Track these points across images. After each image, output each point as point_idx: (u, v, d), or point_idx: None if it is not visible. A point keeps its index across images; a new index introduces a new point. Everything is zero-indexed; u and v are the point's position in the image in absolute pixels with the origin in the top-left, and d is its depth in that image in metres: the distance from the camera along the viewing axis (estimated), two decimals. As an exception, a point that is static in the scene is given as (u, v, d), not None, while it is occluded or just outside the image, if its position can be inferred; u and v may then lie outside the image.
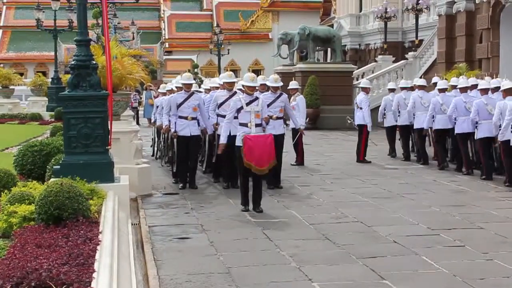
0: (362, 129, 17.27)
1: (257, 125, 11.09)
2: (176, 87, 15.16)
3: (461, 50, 23.58)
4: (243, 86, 11.60)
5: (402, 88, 18.21)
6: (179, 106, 13.25)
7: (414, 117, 17.02)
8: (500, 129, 13.32)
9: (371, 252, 8.24)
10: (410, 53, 34.12)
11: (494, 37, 20.30)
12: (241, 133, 10.99)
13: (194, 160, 13.67)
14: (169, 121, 13.54)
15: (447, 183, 13.82)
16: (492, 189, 13.06)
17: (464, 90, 15.10)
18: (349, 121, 19.19)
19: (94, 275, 5.18)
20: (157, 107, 17.65)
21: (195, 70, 50.40)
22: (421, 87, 17.37)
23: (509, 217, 10.37)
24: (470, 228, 9.66)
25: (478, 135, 14.19)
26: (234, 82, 13.30)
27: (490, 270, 7.51)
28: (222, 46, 48.85)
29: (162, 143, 17.10)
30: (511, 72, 17.99)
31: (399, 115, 17.70)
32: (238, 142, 11.00)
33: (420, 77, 21.04)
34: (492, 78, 16.21)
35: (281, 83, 14.05)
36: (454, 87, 16.20)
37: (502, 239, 8.98)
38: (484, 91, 14.46)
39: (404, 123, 17.60)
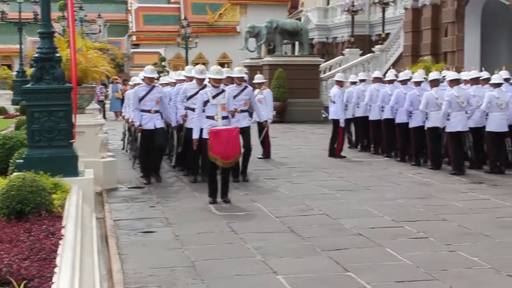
0: (336, 123, 17.13)
1: (223, 118, 11.15)
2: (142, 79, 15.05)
3: (427, 43, 23.76)
4: (209, 78, 11.64)
5: (361, 80, 18.49)
6: (141, 99, 13.16)
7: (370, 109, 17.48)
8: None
9: (335, 245, 8.28)
10: (377, 46, 34.34)
11: (459, 31, 20.49)
12: (207, 125, 11.03)
13: (160, 151, 13.64)
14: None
15: (412, 176, 13.93)
16: (456, 181, 13.19)
17: (435, 83, 14.92)
18: (323, 115, 19.22)
19: (56, 270, 5.13)
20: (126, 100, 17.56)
21: (163, 63, 50.24)
22: (377, 80, 17.68)
23: (472, 208, 10.49)
24: (434, 220, 9.75)
25: (452, 128, 14.21)
26: (204, 79, 13.21)
27: (452, 261, 7.59)
28: (190, 39, 48.68)
29: (130, 136, 17.04)
30: (476, 65, 18.17)
31: (357, 107, 17.90)
32: (205, 135, 11.03)
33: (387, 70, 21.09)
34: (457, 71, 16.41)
35: (245, 74, 14.10)
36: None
37: (465, 230, 9.08)
38: (454, 83, 14.43)
39: (363, 115, 17.83)
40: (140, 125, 13.17)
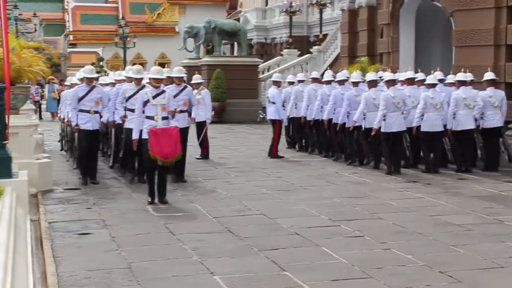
0: (275, 124, 17.14)
1: (163, 118, 11.10)
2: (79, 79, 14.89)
3: (363, 44, 24.00)
4: (149, 78, 11.59)
5: (300, 81, 18.62)
6: (80, 99, 12.99)
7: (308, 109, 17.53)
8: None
9: (272, 244, 8.32)
10: (315, 47, 34.67)
11: (394, 32, 20.72)
12: (147, 126, 10.97)
13: (96, 154, 13.53)
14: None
15: (349, 175, 14.10)
16: (391, 181, 13.40)
17: (372, 84, 14.97)
18: (261, 116, 19.22)
19: (-13, 273, 5.04)
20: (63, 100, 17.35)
21: (101, 63, 49.73)
22: (314, 80, 17.87)
23: (407, 207, 10.68)
24: (370, 219, 9.89)
25: (388, 129, 14.36)
26: (142, 78, 13.13)
27: (387, 259, 7.71)
28: (128, 39, 48.33)
29: (66, 136, 16.84)
30: (411, 66, 18.47)
31: (296, 107, 18.01)
32: (144, 135, 10.98)
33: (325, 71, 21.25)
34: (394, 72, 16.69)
35: (185, 74, 14.12)
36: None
37: (399, 228, 9.23)
38: (390, 83, 14.61)
39: (300, 115, 17.92)
40: (76, 125, 13.00)
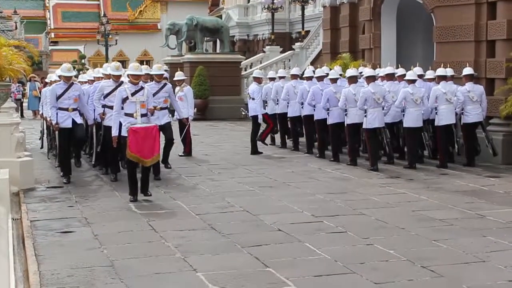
0: (256, 120, 17.10)
1: (142, 115, 11.06)
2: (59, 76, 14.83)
3: (345, 41, 24.05)
4: (128, 75, 11.55)
5: (281, 77, 18.64)
6: (59, 97, 12.92)
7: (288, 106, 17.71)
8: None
9: (256, 241, 8.33)
10: (297, 44, 34.65)
11: (375, 29, 20.75)
12: (126, 123, 10.93)
13: (80, 145, 13.59)
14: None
15: (332, 171, 14.13)
16: (374, 176, 13.44)
17: (352, 80, 14.95)
18: (243, 113, 19.22)
19: (-32, 272, 5.01)
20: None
21: (83, 60, 49.55)
22: (294, 77, 17.89)
23: (389, 202, 10.72)
24: (352, 214, 9.92)
25: (370, 125, 14.40)
26: (120, 75, 13.08)
27: (369, 254, 7.74)
28: (110, 36, 48.10)
29: (48, 135, 16.76)
30: (392, 62, 18.53)
31: (277, 104, 18.04)
32: (124, 133, 10.94)
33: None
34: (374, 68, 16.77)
35: (164, 72, 14.13)
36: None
37: (382, 224, 9.27)
38: (370, 79, 14.67)
39: (282, 112, 18.00)
40: (57, 123, 12.93)
